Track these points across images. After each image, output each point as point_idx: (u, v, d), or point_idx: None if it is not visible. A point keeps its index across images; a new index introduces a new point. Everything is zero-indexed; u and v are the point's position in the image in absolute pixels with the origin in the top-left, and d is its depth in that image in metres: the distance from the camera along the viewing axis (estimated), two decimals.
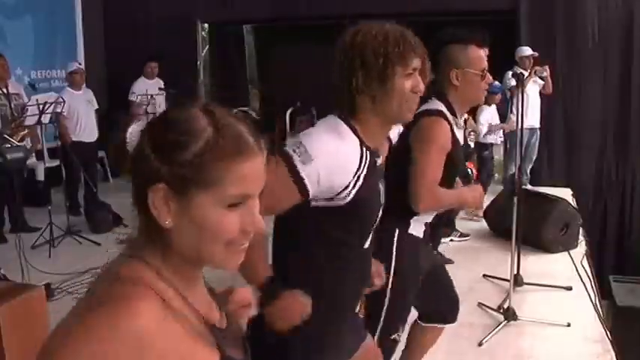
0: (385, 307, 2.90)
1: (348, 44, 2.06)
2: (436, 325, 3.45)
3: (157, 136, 1.17)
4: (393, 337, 2.97)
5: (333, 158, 1.99)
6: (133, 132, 1.20)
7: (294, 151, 1.96)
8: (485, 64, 2.98)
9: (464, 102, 3.04)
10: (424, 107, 2.91)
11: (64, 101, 7.21)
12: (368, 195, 2.07)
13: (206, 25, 11.28)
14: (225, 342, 1.26)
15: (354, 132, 2.08)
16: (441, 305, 3.40)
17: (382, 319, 2.90)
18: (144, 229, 1.22)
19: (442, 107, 2.93)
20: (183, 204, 1.16)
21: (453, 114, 2.96)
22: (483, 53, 2.99)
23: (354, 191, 2.02)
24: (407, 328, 3.20)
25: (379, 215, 2.22)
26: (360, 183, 2.03)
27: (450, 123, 2.90)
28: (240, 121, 1.22)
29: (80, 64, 8.72)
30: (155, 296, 1.14)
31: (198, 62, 10.92)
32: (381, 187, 2.22)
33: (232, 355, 1.27)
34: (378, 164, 2.16)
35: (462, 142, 3.06)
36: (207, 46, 11.43)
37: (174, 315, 1.15)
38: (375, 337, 2.88)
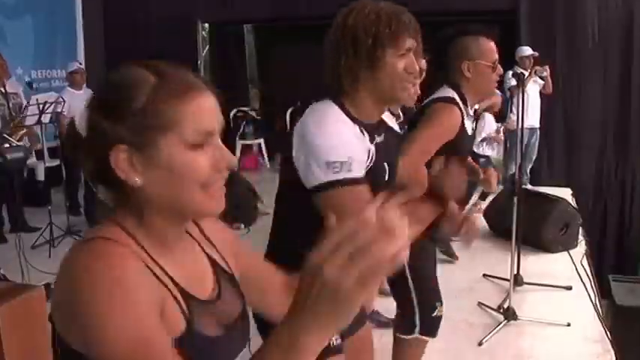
0: (413, 290, 3.00)
1: (341, 23, 2.05)
2: None
3: (104, 100, 1.18)
4: (434, 314, 3.07)
5: (355, 146, 2.00)
6: (81, 115, 1.21)
7: (334, 172, 1.94)
8: (496, 56, 3.02)
9: (475, 93, 3.07)
10: (437, 94, 2.99)
11: (64, 101, 7.22)
12: (374, 166, 2.09)
13: (206, 25, 11.28)
14: (202, 315, 1.23)
15: (344, 111, 2.06)
16: None
17: (416, 302, 3.00)
18: (114, 200, 1.23)
19: (455, 95, 2.97)
20: (148, 156, 1.16)
21: (465, 104, 3.00)
22: (494, 46, 3.02)
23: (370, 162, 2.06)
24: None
25: (385, 182, 2.22)
26: (372, 153, 2.06)
27: (462, 112, 2.94)
28: (179, 67, 1.23)
29: (80, 63, 8.73)
30: (127, 249, 1.15)
31: (199, 62, 10.92)
32: (385, 165, 2.20)
33: (206, 330, 1.23)
34: (378, 140, 2.14)
35: (470, 132, 3.09)
36: (208, 46, 11.43)
37: (145, 268, 1.16)
38: (417, 321, 3.00)
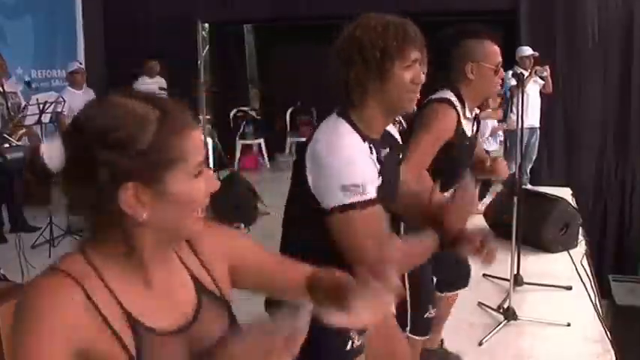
0: (408, 294, 3.02)
1: (347, 37, 2.08)
2: (446, 293, 3.56)
3: (110, 137, 1.15)
4: (425, 316, 3.13)
5: (368, 166, 2.04)
6: (50, 147, 1.20)
7: (348, 195, 1.97)
8: (500, 59, 3.06)
9: (476, 95, 3.11)
10: (434, 96, 3.02)
11: (64, 101, 7.22)
12: (383, 180, 2.11)
13: (206, 25, 11.27)
14: (159, 347, 1.24)
15: (354, 127, 2.09)
16: (451, 273, 3.48)
17: (409, 304, 3.05)
18: (95, 230, 1.25)
19: (452, 97, 3.00)
20: (155, 191, 1.18)
21: (463, 105, 3.03)
22: (498, 49, 3.07)
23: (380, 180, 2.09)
24: None
25: (393, 198, 2.25)
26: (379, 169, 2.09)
27: (458, 113, 2.97)
28: (169, 98, 1.28)
29: (81, 63, 8.74)
30: (78, 288, 1.17)
31: (199, 62, 10.92)
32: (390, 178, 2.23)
33: None
34: (383, 155, 2.17)
35: (469, 133, 3.12)
36: (208, 46, 11.42)
37: (89, 306, 1.18)
38: (409, 322, 3.06)
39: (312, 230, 2.11)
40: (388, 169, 2.19)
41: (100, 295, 1.19)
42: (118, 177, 1.15)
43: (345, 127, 2.08)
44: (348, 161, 1.99)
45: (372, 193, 1.99)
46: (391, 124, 2.40)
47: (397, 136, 2.44)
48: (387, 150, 2.22)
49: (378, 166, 2.09)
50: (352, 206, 1.96)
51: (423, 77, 2.13)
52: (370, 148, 2.09)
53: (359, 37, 2.04)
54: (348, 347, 2.17)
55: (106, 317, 1.19)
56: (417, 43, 2.09)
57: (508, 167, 8.50)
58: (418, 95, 2.17)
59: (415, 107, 3.03)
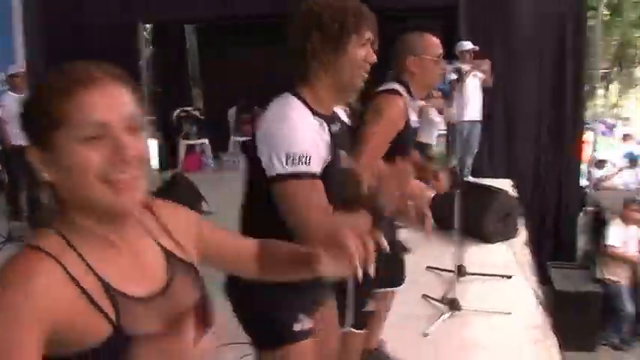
0: (350, 288, 3.07)
1: (306, 12, 2.14)
2: (385, 289, 3.56)
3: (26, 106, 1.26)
4: (364, 309, 3.18)
5: (316, 141, 2.06)
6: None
7: (291, 164, 1.99)
8: (441, 50, 3.18)
9: (420, 87, 3.22)
10: (381, 87, 3.11)
11: (3, 106, 7.09)
12: (332, 161, 2.13)
13: (148, 26, 11.16)
14: (137, 313, 1.26)
15: (305, 103, 2.12)
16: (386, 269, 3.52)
17: (349, 298, 3.06)
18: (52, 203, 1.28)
19: (400, 88, 3.09)
20: (50, 153, 1.21)
21: (411, 96, 3.13)
22: (438, 41, 3.18)
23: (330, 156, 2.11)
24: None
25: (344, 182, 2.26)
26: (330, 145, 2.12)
27: (405, 103, 3.06)
28: (85, 62, 1.25)
29: (21, 67, 8.58)
30: (53, 262, 1.18)
31: (140, 62, 10.83)
32: (342, 153, 2.24)
33: (141, 328, 1.24)
34: (333, 130, 2.18)
35: (413, 125, 3.19)
36: (149, 47, 11.32)
37: (68, 281, 1.18)
38: (350, 315, 3.05)
39: (269, 212, 2.11)
40: (338, 144, 2.21)
41: (77, 268, 1.20)
42: (30, 142, 1.24)
43: (295, 102, 2.12)
44: (294, 128, 2.03)
45: (315, 166, 2.02)
46: (342, 111, 2.45)
47: (346, 119, 2.49)
48: (338, 126, 2.25)
49: (329, 141, 2.11)
50: (294, 175, 1.99)
51: (374, 58, 2.19)
52: (320, 123, 2.12)
53: (318, 12, 2.10)
54: (297, 328, 2.19)
55: (86, 290, 1.20)
56: (371, 24, 2.17)
57: (450, 161, 8.64)
58: (367, 76, 2.22)
59: (360, 103, 3.10)
